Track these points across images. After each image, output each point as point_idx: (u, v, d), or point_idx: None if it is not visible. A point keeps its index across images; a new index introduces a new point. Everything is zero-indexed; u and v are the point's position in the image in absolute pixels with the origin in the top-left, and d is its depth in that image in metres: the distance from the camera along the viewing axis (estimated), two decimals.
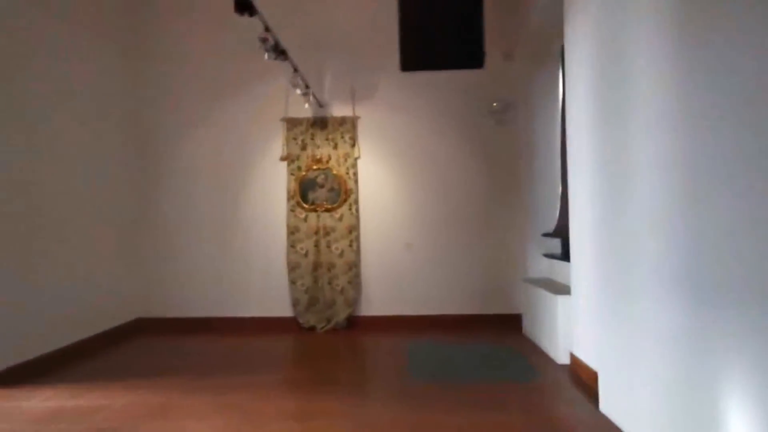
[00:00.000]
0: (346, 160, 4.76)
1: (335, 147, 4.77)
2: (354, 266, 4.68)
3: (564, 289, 3.67)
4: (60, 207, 3.79)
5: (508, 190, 4.75)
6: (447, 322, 4.66)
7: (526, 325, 4.30)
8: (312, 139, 4.78)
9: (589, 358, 3.00)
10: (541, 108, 4.47)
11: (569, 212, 3.31)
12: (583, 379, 3.05)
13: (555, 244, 4.37)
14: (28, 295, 3.43)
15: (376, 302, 4.75)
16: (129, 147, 4.73)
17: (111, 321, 4.40)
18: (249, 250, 4.80)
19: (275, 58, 3.06)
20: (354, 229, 4.70)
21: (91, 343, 4.05)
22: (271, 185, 4.82)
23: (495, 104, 4.71)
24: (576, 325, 3.22)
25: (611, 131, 2.43)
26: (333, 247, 4.70)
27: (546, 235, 4.36)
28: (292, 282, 4.70)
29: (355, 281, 4.68)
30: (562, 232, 4.18)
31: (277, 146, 4.82)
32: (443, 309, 4.71)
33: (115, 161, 4.52)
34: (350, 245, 4.69)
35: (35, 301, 3.50)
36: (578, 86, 3.08)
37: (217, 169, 4.85)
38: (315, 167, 4.74)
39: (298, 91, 3.90)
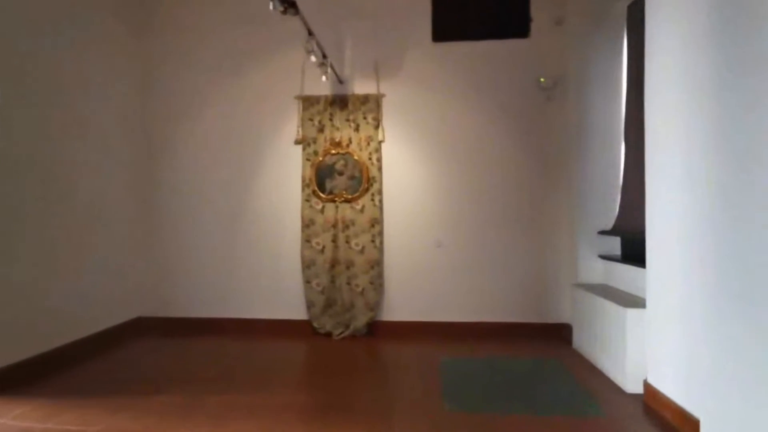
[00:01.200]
0: (368, 144, 4.17)
1: (356, 129, 4.19)
2: (376, 265, 4.12)
3: (631, 300, 3.02)
4: (51, 193, 3.34)
5: (557, 179, 4.09)
6: (482, 331, 4.06)
7: (578, 339, 3.66)
8: (330, 119, 4.21)
9: (677, 393, 2.36)
10: (598, 81, 3.78)
11: (647, 205, 2.66)
12: (665, 418, 2.42)
13: (613, 244, 3.71)
14: (13, 292, 3.00)
15: (401, 306, 4.19)
16: (129, 134, 4.25)
17: (109, 320, 3.97)
18: (259, 244, 4.29)
19: (283, 12, 2.48)
20: (377, 222, 4.13)
21: (85, 345, 3.62)
22: (283, 172, 4.28)
23: (543, 80, 4.04)
24: (655, 347, 2.58)
25: (731, 98, 1.77)
26: (353, 242, 4.15)
27: (603, 233, 3.70)
28: (307, 281, 4.17)
29: (378, 282, 4.12)
30: (623, 229, 3.52)
31: (291, 128, 4.27)
32: (478, 316, 4.11)
33: (116, 147, 4.05)
34: (372, 241, 4.12)
35: (23, 299, 3.07)
36: (669, 47, 2.41)
37: (224, 155, 4.33)
38: (333, 152, 4.18)
39: (313, 59, 3.31)
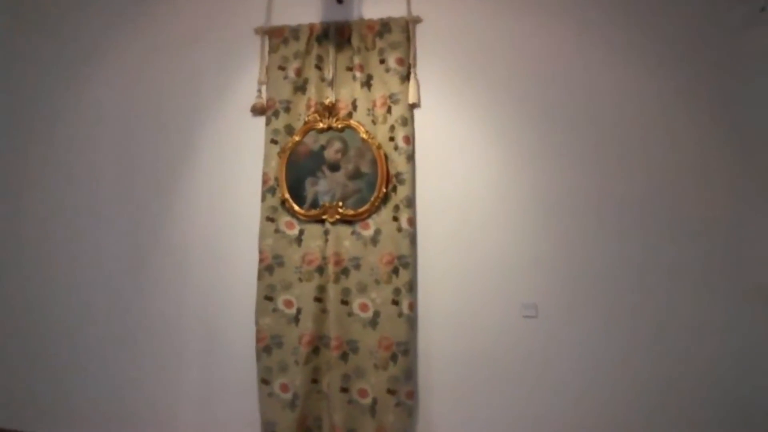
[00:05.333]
0: (389, 111, 2.17)
1: (367, 84, 2.21)
2: (403, 351, 2.02)
3: None
4: None
5: None
6: None
7: None
8: (318, 67, 2.25)
9: None
10: None
11: None
12: None
13: None
14: None
15: None
16: None
17: None
18: (182, 306, 2.28)
19: None
20: (404, 264, 2.06)
21: None
22: (230, 166, 2.31)
23: None
24: None
25: None
26: (356, 303, 2.08)
27: None
28: (263, 381, 2.10)
29: (404, 389, 2.00)
30: None
31: (247, 86, 2.33)
32: None
33: None
34: (395, 302, 2.05)
35: None
36: None
37: (124, 142, 2.42)
38: (322, 126, 2.20)
39: None
